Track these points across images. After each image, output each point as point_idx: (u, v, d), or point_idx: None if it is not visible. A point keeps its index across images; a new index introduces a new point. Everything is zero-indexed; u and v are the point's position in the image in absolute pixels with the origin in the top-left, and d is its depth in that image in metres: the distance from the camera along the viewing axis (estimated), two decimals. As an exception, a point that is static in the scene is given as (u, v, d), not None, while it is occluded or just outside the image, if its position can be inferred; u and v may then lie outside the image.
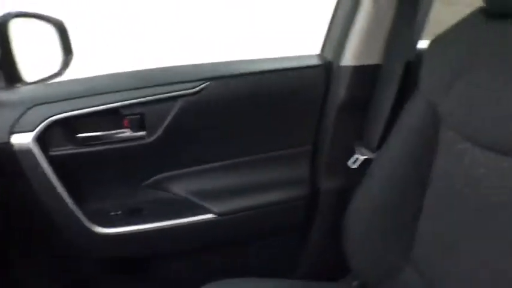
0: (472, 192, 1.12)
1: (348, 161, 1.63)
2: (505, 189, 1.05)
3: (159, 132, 1.52)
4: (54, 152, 1.47)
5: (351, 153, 1.64)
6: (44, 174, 1.43)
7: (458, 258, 1.14)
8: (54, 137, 1.47)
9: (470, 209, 1.12)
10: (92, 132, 1.51)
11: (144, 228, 1.55)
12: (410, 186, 1.33)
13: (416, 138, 1.34)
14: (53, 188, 1.45)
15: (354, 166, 1.61)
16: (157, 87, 1.51)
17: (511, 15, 1.21)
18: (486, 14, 1.28)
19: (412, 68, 1.48)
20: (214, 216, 1.59)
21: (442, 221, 1.27)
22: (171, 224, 1.56)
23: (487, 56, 1.23)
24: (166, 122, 1.52)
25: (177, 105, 1.51)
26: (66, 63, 1.52)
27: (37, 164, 1.42)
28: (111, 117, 1.51)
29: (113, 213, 1.57)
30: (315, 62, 1.66)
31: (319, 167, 1.73)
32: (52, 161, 1.44)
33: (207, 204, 1.61)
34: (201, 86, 1.52)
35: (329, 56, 1.66)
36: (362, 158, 1.61)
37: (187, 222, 1.57)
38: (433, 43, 1.35)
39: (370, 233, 1.41)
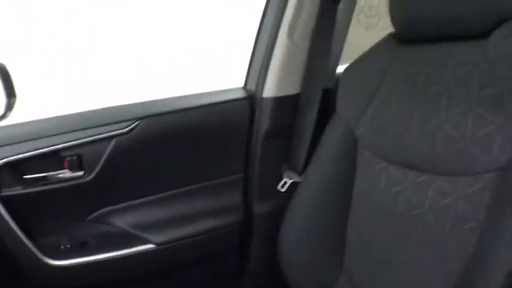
0: (392, 207, 1.23)
1: (277, 185, 1.72)
2: (421, 203, 1.16)
3: (96, 171, 1.59)
4: (5, 193, 1.52)
5: (280, 178, 1.73)
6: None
7: (384, 268, 1.25)
8: (4, 179, 1.53)
9: (392, 223, 1.23)
10: (38, 173, 1.57)
11: (91, 260, 1.61)
12: (335, 205, 1.43)
13: (337, 160, 1.43)
14: (6, 226, 1.51)
15: (283, 190, 1.70)
16: (92, 129, 1.58)
17: (419, 40, 1.31)
18: (397, 39, 1.38)
19: (331, 94, 1.55)
20: (154, 246, 1.65)
21: (368, 235, 1.37)
22: (115, 255, 1.62)
23: (397, 80, 1.33)
24: (102, 161, 1.58)
25: (111, 144, 1.58)
26: (9, 107, 1.51)
27: None
28: (53, 159, 1.57)
29: (62, 247, 1.62)
30: (240, 95, 1.75)
31: (251, 193, 1.81)
32: (3, 201, 1.50)
33: (146, 235, 1.67)
34: (132, 125, 1.59)
35: (252, 88, 1.76)
36: (290, 181, 1.70)
37: (129, 252, 1.63)
38: (347, 70, 1.46)
39: (302, 250, 1.49)
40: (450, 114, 1.12)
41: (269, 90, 1.71)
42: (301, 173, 1.67)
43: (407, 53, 1.30)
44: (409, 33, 1.28)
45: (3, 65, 1.49)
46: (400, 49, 1.31)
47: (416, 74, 1.24)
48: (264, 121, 1.73)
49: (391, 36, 1.36)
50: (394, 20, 1.28)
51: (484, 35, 1.12)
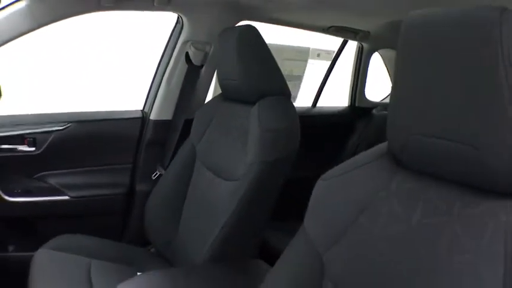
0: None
1: (152, 174, 2.62)
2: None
3: (42, 149, 2.43)
4: None
5: (154, 170, 2.62)
6: None
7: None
8: None
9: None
10: (8, 145, 2.38)
11: (32, 200, 2.40)
12: (177, 193, 2.23)
13: (182, 166, 2.25)
14: None
15: (154, 177, 2.60)
16: (45, 124, 2.44)
17: (234, 100, 2.07)
18: (223, 97, 2.17)
19: (190, 123, 2.36)
20: (69, 197, 2.48)
21: (189, 213, 2.15)
22: (46, 199, 2.42)
23: (219, 123, 2.09)
24: (46, 143, 2.43)
25: (53, 134, 2.44)
26: None
27: None
28: (18, 138, 2.39)
29: (15, 191, 2.39)
30: (138, 115, 2.62)
31: (135, 177, 2.64)
32: None
33: (65, 190, 2.48)
34: (66, 125, 2.45)
35: (147, 110, 2.63)
36: (158, 173, 2.59)
37: (55, 199, 2.45)
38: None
39: (157, 216, 2.29)
40: None
41: (153, 115, 2.60)
42: (165, 169, 2.49)
43: (227, 107, 1.82)
44: (228, 94, 1.75)
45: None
46: (224, 104, 1.63)
47: (230, 121, 1.79)
48: (148, 134, 2.60)
49: (220, 95, 1.78)
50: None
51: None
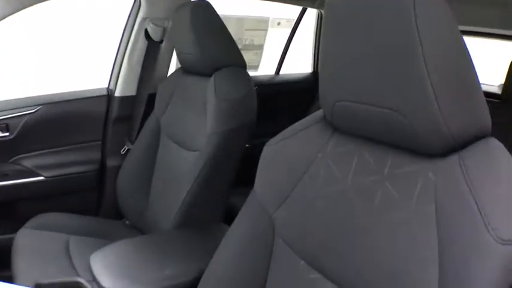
0: None
1: (121, 149, 2.71)
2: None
3: (15, 133, 2.50)
4: None
5: (122, 145, 2.71)
6: None
7: None
8: None
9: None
10: None
11: (9, 183, 2.48)
12: (146, 165, 2.35)
13: (149, 139, 2.36)
14: None
15: (123, 152, 2.69)
16: (16, 109, 2.51)
17: (192, 73, 2.16)
18: (183, 70, 2.28)
19: (153, 97, 2.47)
20: (44, 178, 2.54)
21: (157, 184, 2.29)
22: (23, 181, 2.48)
23: (180, 96, 2.20)
24: (19, 128, 2.51)
25: (25, 118, 2.51)
26: None
27: None
28: None
29: None
30: (104, 93, 2.71)
31: (105, 153, 2.71)
32: None
33: (40, 171, 2.54)
34: (37, 108, 2.53)
35: (112, 88, 2.72)
36: (127, 148, 2.68)
37: (31, 180, 2.52)
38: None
39: (128, 190, 2.40)
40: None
41: (118, 92, 2.68)
42: (133, 143, 2.59)
43: (185, 79, 1.65)
44: (186, 67, 1.59)
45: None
46: (183, 77, 1.45)
47: (188, 92, 1.54)
48: (114, 110, 2.69)
49: (180, 68, 1.63)
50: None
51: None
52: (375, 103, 0.93)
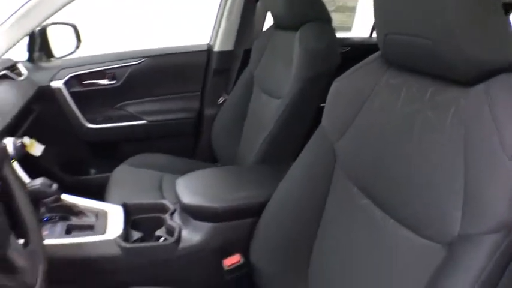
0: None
1: (217, 100, 2.93)
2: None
3: (121, 81, 2.79)
4: (72, 90, 2.71)
5: (220, 96, 2.93)
6: (66, 101, 2.70)
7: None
8: (72, 84, 2.74)
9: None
10: (91, 80, 2.80)
11: (113, 125, 2.79)
12: (238, 114, 2.53)
13: (243, 91, 2.51)
14: (70, 107, 2.71)
15: (220, 103, 2.90)
16: (125, 59, 2.80)
17: (282, 27, 2.29)
18: (274, 26, 2.40)
19: (248, 53, 2.60)
20: (146, 122, 2.85)
21: (247, 129, 2.43)
22: (125, 124, 2.80)
23: (271, 49, 2.33)
24: (125, 76, 2.79)
25: (131, 68, 2.80)
26: (77, 46, 2.71)
27: (64, 96, 2.67)
28: (100, 74, 2.79)
29: (97, 119, 2.79)
30: (204, 48, 2.93)
31: (203, 103, 2.95)
32: (71, 94, 2.70)
33: (142, 116, 2.84)
34: (142, 60, 2.81)
35: (212, 43, 2.92)
36: (223, 98, 2.89)
37: (133, 123, 2.84)
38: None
39: (222, 135, 2.58)
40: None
41: (217, 47, 2.89)
42: (229, 95, 2.77)
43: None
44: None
45: (74, 24, 2.64)
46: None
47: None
48: (213, 63, 2.90)
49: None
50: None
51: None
52: (418, 34, 1.00)
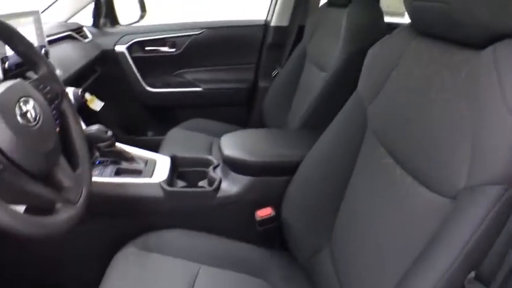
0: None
1: (271, 73, 3.03)
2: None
3: (182, 49, 2.96)
4: (135, 55, 2.93)
5: (273, 68, 3.03)
6: (128, 64, 2.89)
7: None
8: (135, 49, 2.92)
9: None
10: (153, 47, 2.98)
11: (172, 91, 2.98)
12: (290, 86, 2.59)
13: (295, 65, 2.59)
14: (132, 70, 2.93)
15: (273, 75, 3.00)
16: (182, 30, 2.96)
17: (332, 4, 2.37)
18: (328, 4, 2.49)
19: (303, 29, 2.70)
20: (201, 89, 3.03)
21: (297, 99, 2.43)
22: (182, 90, 3.00)
23: (323, 26, 2.39)
24: (184, 46, 2.96)
25: (191, 38, 2.96)
26: (142, 16, 2.93)
27: (126, 60, 2.88)
28: (161, 42, 2.96)
29: (156, 84, 2.98)
30: (261, 23, 3.05)
31: (257, 74, 3.10)
32: (133, 59, 2.92)
33: (199, 83, 3.03)
34: (201, 31, 2.96)
35: (269, 19, 3.04)
36: (277, 71, 2.99)
37: (189, 90, 3.04)
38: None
39: (274, 105, 2.66)
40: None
41: (273, 22, 3.00)
42: (283, 66, 2.85)
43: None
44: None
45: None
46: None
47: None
48: (269, 38, 3.03)
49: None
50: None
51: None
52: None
